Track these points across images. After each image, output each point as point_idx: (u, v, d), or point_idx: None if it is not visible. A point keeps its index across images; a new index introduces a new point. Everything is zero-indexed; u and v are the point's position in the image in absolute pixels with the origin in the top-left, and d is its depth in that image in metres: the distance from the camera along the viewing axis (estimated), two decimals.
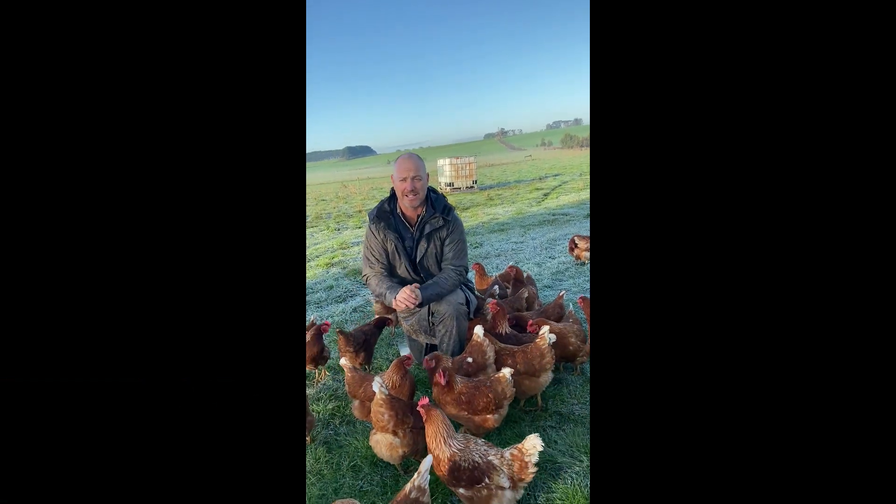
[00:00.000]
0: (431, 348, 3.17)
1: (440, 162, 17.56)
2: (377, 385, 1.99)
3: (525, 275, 3.75)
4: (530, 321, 2.69)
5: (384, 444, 2.00)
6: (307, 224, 11.92)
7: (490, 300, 2.89)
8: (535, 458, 1.67)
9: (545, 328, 2.41)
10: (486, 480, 1.68)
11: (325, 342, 3.03)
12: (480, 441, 1.79)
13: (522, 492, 1.75)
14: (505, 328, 2.72)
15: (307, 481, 2.10)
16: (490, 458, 1.71)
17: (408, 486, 1.52)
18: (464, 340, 2.69)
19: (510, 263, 4.12)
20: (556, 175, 21.27)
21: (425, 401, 1.86)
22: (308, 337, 2.88)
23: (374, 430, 2.05)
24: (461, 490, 1.73)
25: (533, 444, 1.67)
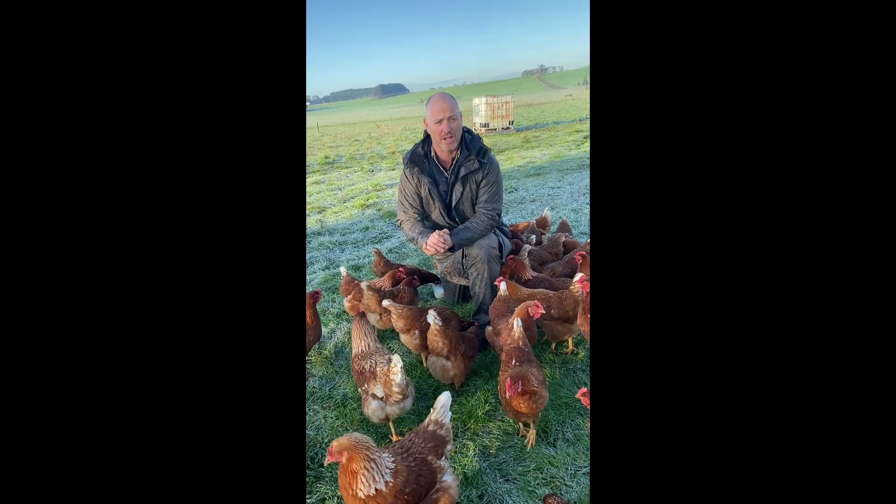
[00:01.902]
0: (465, 290, 3.23)
1: (475, 101, 16.86)
2: (432, 317, 2.22)
3: (561, 220, 3.69)
4: (581, 251, 2.70)
5: (438, 366, 2.29)
6: (342, 165, 11.96)
7: (510, 255, 2.88)
8: (397, 378, 1.85)
9: (579, 274, 2.40)
10: (365, 385, 1.95)
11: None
12: (387, 356, 1.98)
13: (396, 409, 1.92)
14: (528, 275, 2.74)
15: (347, 406, 2.28)
16: (376, 368, 1.95)
17: (427, 420, 1.60)
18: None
19: (545, 209, 4.05)
20: None
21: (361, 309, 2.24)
22: (403, 292, 2.89)
23: (429, 354, 2.32)
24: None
25: (394, 363, 1.86)
